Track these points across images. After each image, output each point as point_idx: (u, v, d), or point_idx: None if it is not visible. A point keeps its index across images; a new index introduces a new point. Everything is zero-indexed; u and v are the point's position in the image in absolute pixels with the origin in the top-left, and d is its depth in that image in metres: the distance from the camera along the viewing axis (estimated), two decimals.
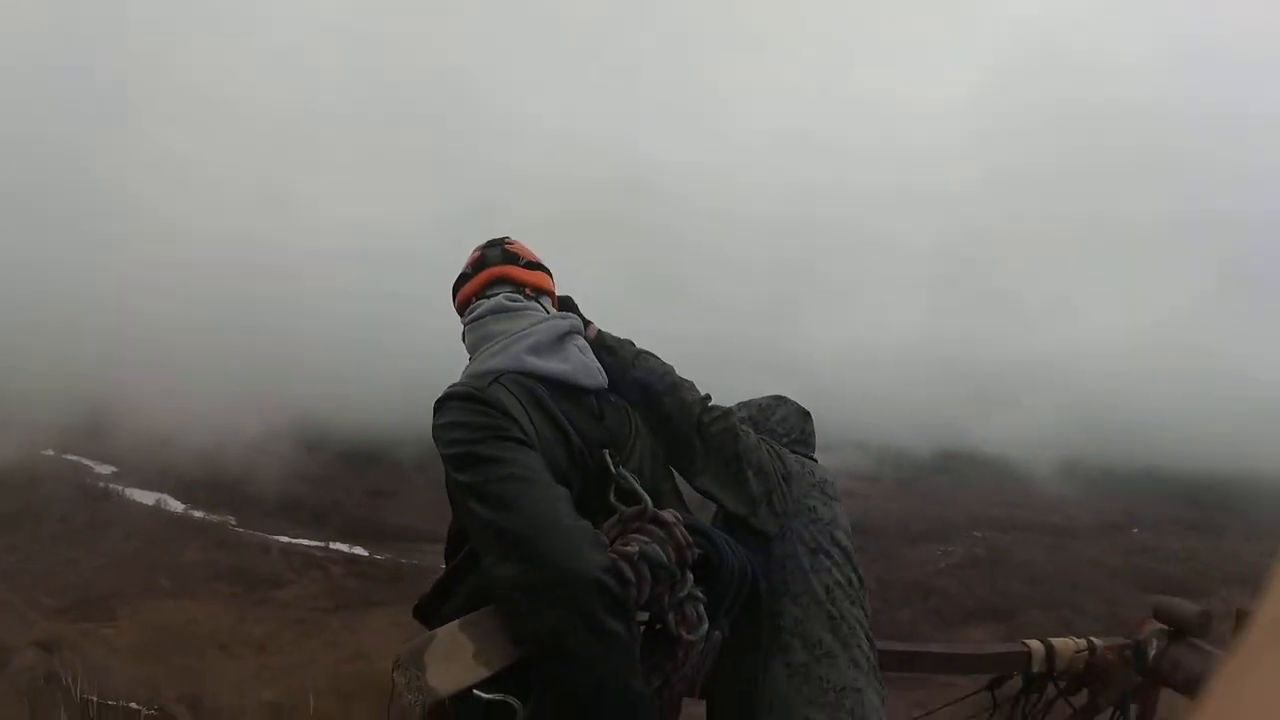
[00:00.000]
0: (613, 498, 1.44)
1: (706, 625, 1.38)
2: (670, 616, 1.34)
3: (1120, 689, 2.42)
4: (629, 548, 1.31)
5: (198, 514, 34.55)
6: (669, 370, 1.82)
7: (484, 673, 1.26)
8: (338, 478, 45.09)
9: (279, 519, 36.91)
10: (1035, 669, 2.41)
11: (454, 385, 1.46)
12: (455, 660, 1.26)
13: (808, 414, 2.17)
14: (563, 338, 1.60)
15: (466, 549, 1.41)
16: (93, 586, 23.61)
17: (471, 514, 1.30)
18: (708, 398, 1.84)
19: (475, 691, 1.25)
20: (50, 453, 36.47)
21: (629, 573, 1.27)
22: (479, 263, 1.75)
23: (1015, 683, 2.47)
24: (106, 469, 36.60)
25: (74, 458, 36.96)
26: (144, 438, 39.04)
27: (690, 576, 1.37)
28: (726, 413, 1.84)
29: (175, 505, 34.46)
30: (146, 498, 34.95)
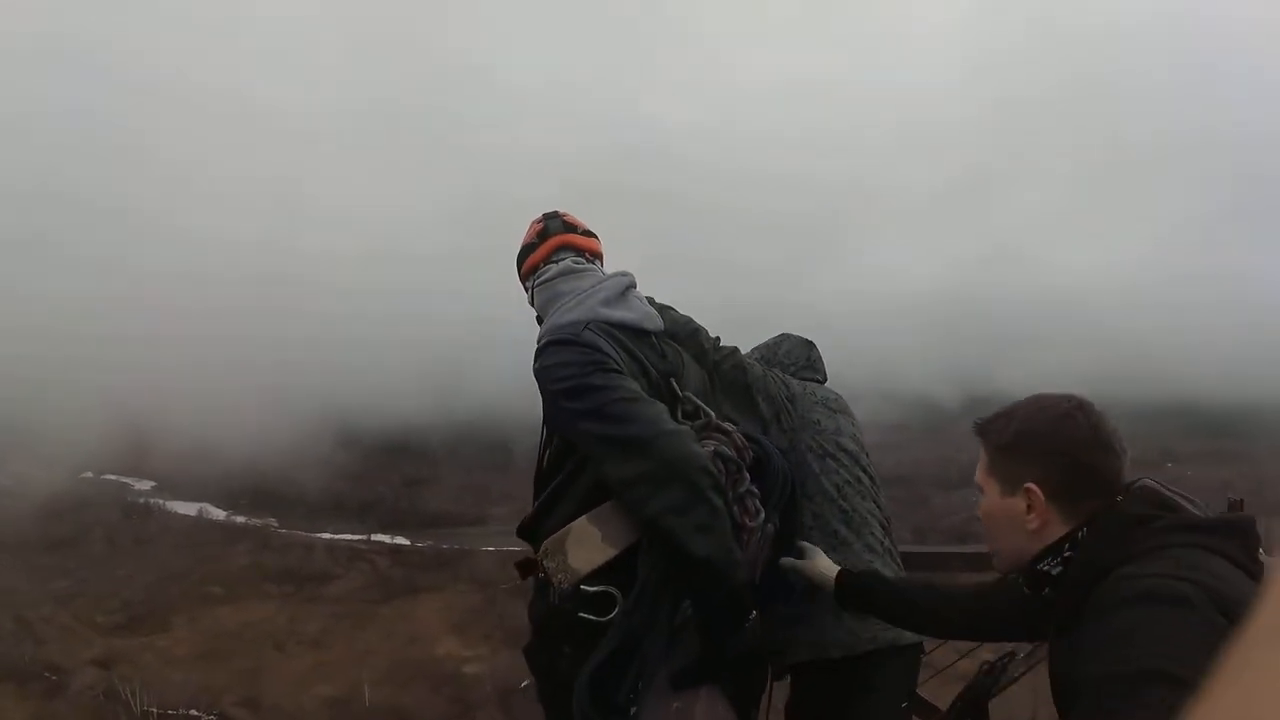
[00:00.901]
0: (679, 416, 1.69)
1: (763, 516, 1.63)
2: (734, 508, 1.57)
3: None
4: (706, 447, 1.58)
5: (240, 519, 35.08)
6: (689, 319, 2.07)
7: (611, 552, 1.52)
8: (372, 471, 45.52)
9: (319, 517, 37.36)
10: None
11: (550, 334, 1.70)
12: (587, 544, 1.53)
13: (811, 343, 2.43)
14: (625, 291, 1.84)
15: (567, 469, 1.65)
16: (145, 600, 24.02)
17: (589, 432, 1.56)
18: (718, 339, 2.10)
19: (581, 586, 1.52)
20: (89, 475, 37.18)
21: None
22: (542, 233, 1.94)
23: None
24: (145, 484, 37.26)
25: (113, 477, 37.65)
26: (178, 451, 39.65)
27: (747, 475, 1.64)
28: (734, 350, 2.12)
29: (217, 513, 35.00)
30: (188, 509, 35.58)
